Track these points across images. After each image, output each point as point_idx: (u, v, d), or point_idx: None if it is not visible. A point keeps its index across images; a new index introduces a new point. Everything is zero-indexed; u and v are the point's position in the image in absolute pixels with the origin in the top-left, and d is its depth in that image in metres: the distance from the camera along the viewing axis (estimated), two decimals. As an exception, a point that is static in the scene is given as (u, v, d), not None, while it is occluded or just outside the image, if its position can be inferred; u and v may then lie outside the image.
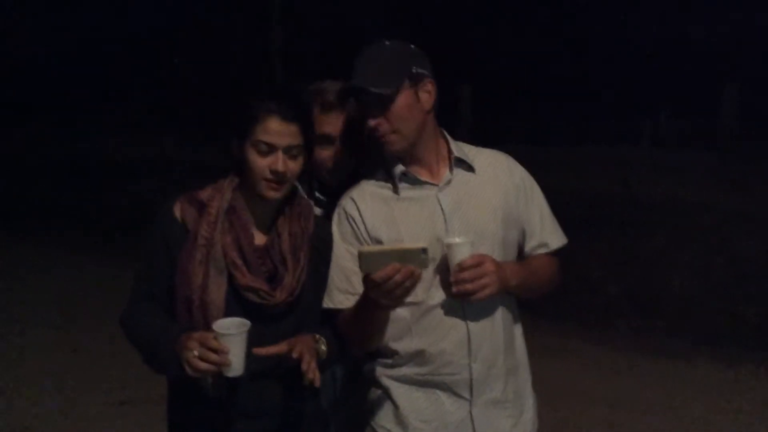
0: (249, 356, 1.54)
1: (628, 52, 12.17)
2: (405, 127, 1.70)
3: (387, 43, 1.74)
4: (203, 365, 1.50)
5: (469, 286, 1.59)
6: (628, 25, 12.30)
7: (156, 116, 13.06)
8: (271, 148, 1.64)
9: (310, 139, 1.71)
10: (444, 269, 1.67)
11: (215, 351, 1.50)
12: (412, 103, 1.70)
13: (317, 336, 1.68)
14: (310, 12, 13.68)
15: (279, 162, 1.64)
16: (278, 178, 1.65)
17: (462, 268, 1.59)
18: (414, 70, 1.71)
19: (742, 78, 9.74)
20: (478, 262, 1.60)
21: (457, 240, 1.63)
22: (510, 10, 13.12)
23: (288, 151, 1.65)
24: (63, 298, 6.22)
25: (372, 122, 1.70)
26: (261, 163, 1.65)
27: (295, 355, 1.56)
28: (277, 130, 1.63)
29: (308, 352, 1.59)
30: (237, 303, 1.64)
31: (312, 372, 1.55)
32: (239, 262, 1.65)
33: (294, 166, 1.67)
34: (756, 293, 5.32)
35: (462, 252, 1.60)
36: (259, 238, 1.72)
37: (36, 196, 10.04)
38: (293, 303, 1.69)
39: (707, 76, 10.52)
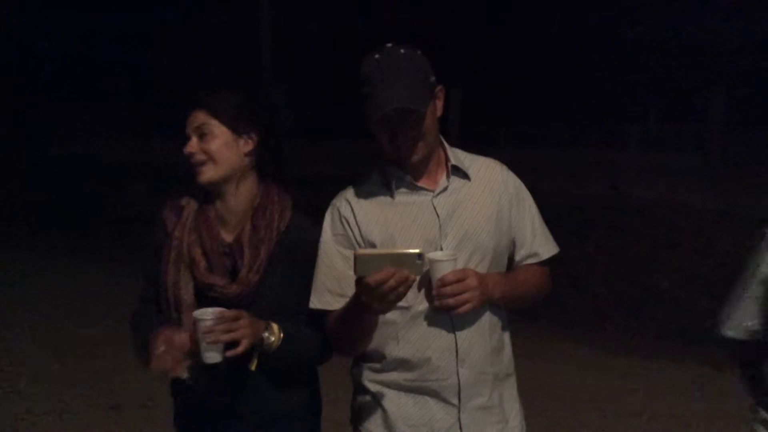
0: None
1: (617, 58, 12.27)
2: (429, 136, 1.70)
3: (402, 51, 1.67)
4: (163, 362, 1.59)
5: (450, 301, 1.59)
6: (616, 31, 12.40)
7: (144, 118, 13.02)
8: (189, 137, 1.74)
9: (232, 118, 1.73)
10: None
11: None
12: (434, 113, 1.71)
13: (272, 325, 1.66)
14: (299, 12, 13.68)
15: (187, 145, 1.72)
16: (191, 159, 1.71)
17: (444, 283, 1.58)
18: (431, 80, 1.70)
19: (729, 83, 9.86)
20: (460, 277, 1.60)
21: (440, 255, 1.63)
22: (500, 16, 13.19)
23: (195, 131, 1.72)
24: (52, 301, 6.18)
25: (402, 138, 1.67)
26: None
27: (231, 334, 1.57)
28: (188, 120, 1.74)
29: (248, 335, 1.59)
30: (204, 298, 1.69)
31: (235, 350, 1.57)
32: (200, 259, 1.71)
33: (205, 144, 1.71)
34: (743, 295, 5.35)
35: (444, 268, 1.59)
36: (229, 234, 1.75)
37: (25, 199, 9.97)
38: (251, 297, 1.69)
39: (695, 82, 10.64)
